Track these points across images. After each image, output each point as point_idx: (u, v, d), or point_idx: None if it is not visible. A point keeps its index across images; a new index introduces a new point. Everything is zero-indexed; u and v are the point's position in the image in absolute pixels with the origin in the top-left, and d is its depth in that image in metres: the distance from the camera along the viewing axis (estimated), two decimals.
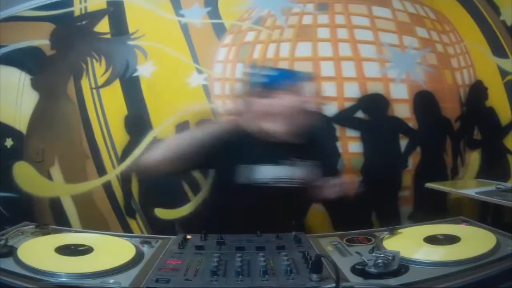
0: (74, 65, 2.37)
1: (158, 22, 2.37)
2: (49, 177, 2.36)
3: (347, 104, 2.28)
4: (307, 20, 2.35)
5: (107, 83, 2.35)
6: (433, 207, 2.21)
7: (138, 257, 1.08)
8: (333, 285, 0.87)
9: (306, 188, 1.48)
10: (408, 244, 1.10)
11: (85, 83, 2.37)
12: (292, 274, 0.94)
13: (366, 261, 0.97)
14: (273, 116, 1.43)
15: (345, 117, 2.29)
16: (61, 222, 2.29)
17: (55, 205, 2.35)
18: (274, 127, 1.43)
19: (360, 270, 0.96)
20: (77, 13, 2.40)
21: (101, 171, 2.35)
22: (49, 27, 2.38)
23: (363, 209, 2.29)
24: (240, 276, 0.93)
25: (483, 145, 2.43)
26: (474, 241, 1.10)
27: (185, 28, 2.36)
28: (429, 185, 2.19)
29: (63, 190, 2.36)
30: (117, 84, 2.35)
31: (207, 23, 2.36)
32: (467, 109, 2.41)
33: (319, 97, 1.60)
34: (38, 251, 1.07)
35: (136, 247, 1.14)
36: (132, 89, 2.34)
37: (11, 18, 2.39)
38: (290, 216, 1.25)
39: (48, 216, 2.32)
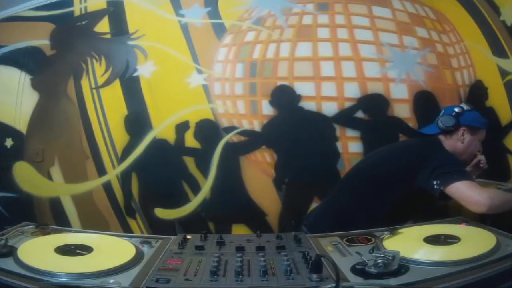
0: (74, 65, 2.37)
1: (158, 22, 2.37)
2: (49, 177, 2.36)
3: (347, 104, 2.28)
4: (307, 20, 2.34)
5: (107, 83, 2.35)
6: (433, 207, 2.21)
7: (138, 257, 1.08)
8: (333, 285, 0.87)
9: None
10: (408, 244, 1.10)
11: (85, 83, 2.36)
12: (292, 274, 0.94)
13: (366, 261, 0.97)
14: None
15: (345, 117, 2.28)
16: (61, 222, 2.28)
17: (55, 205, 2.35)
18: None
19: (360, 270, 0.96)
20: (77, 13, 2.40)
21: (101, 171, 2.34)
22: (49, 27, 2.38)
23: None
24: (240, 276, 0.93)
25: (483, 145, 2.42)
26: (474, 241, 1.10)
27: (185, 28, 2.36)
28: None
29: (63, 190, 2.36)
30: (117, 84, 2.35)
31: (207, 23, 2.36)
32: None
33: None
34: (38, 251, 1.07)
35: (136, 247, 1.15)
36: (132, 89, 2.34)
37: (11, 18, 2.39)
38: None
39: (48, 216, 2.32)
